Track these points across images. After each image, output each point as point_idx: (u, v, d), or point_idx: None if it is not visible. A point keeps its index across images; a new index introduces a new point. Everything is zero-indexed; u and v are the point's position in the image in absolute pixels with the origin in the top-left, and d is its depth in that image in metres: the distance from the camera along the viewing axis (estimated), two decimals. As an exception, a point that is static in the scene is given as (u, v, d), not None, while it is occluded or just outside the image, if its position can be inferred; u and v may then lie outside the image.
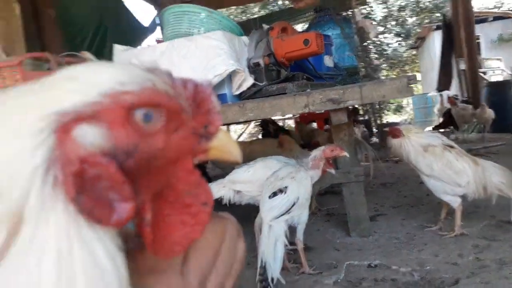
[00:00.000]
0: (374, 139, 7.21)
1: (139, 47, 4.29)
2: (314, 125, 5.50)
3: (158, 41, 3.22)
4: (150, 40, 5.98)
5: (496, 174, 2.29)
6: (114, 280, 0.36)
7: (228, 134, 0.46)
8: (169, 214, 0.44)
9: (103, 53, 4.35)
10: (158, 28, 5.86)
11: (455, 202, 2.36)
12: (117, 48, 2.84)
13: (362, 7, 9.28)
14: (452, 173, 2.32)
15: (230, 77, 2.58)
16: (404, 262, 2.08)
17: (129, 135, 0.38)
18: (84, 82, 0.37)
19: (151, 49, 2.81)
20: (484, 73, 9.35)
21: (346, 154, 2.12)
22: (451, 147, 2.43)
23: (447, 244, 2.26)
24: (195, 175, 0.44)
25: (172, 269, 0.46)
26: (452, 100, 6.66)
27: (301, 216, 1.99)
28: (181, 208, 0.44)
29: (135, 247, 0.46)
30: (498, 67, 10.41)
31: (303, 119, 5.45)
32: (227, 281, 0.52)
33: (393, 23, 17.07)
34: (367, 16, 11.75)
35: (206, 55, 2.52)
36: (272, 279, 1.74)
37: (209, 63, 2.49)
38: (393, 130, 2.52)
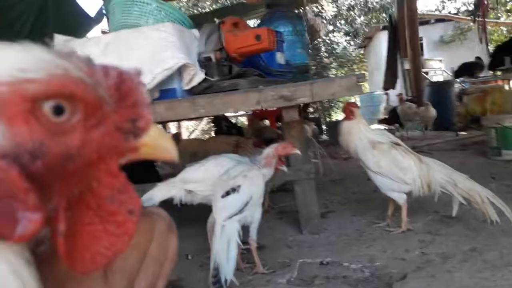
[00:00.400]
0: (324, 137, 7.35)
1: (83, 38, 4.05)
2: (267, 122, 5.51)
3: (104, 32, 3.06)
4: (95, 31, 5.70)
5: (439, 172, 2.37)
6: None
7: (161, 129, 0.40)
8: (90, 222, 0.38)
9: (43, 44, 4.07)
10: (105, 19, 5.59)
11: (401, 199, 2.41)
12: (58, 38, 2.66)
13: (313, 5, 9.42)
14: (398, 170, 2.37)
15: (180, 71, 2.50)
16: (355, 258, 2.11)
17: (34, 132, 0.31)
18: None
19: (95, 40, 2.65)
20: (426, 73, 9.82)
21: (298, 151, 2.11)
22: (398, 144, 2.48)
23: (394, 239, 2.32)
24: (120, 179, 0.39)
25: (94, 274, 0.40)
26: (401, 97, 6.93)
27: (254, 215, 1.96)
28: (105, 216, 0.38)
29: (51, 250, 0.39)
30: (439, 68, 10.98)
31: (256, 116, 5.44)
32: (159, 280, 0.48)
33: (343, 22, 17.52)
34: (317, 15, 11.97)
35: (155, 47, 2.41)
36: (226, 280, 1.70)
37: (158, 56, 2.39)
38: (349, 107, 2.50)
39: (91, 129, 0.34)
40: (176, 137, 4.29)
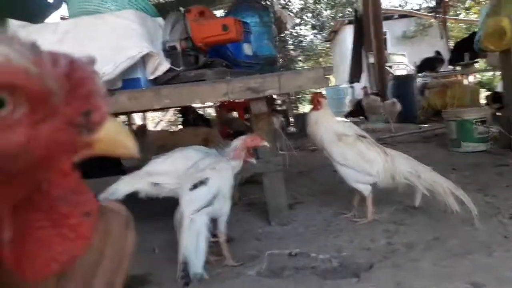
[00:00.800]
0: (292, 129, 7.39)
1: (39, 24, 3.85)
2: (235, 114, 5.47)
3: (63, 18, 2.91)
4: (54, 17, 5.44)
5: (403, 164, 2.41)
6: None
7: (118, 123, 0.36)
8: (41, 226, 0.34)
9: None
10: (64, 5, 5.34)
11: (366, 190, 2.45)
12: (13, 24, 2.51)
13: (280, -3, 9.43)
14: (363, 162, 2.39)
15: (143, 60, 2.41)
16: (323, 249, 2.12)
17: None
18: None
19: (52, 27, 2.52)
20: (390, 67, 10.04)
21: (266, 143, 2.09)
22: (363, 137, 2.51)
23: (360, 230, 2.35)
24: (73, 178, 0.35)
25: (46, 280, 0.37)
26: (365, 90, 7.04)
27: (223, 208, 1.93)
28: (57, 219, 0.34)
29: None
30: (402, 62, 11.25)
31: (224, 108, 5.39)
32: (116, 277, 0.46)
33: (309, 15, 17.64)
34: (284, 7, 11.98)
35: (117, 35, 2.33)
36: (195, 274, 1.67)
37: (120, 44, 2.30)
38: (316, 97, 2.50)
39: (38, 123, 0.31)
40: (142, 129, 4.16)
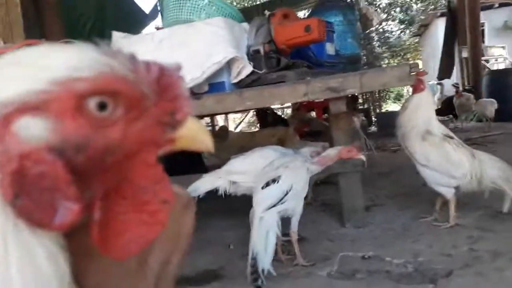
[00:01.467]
0: (373, 128, 7.19)
1: (139, 34, 4.24)
2: (313, 114, 5.49)
3: (158, 28, 3.19)
4: (150, 27, 5.94)
5: (493, 168, 2.28)
6: (54, 282, 0.33)
7: (197, 121, 0.42)
8: (124, 211, 0.40)
9: (103, 40, 4.30)
10: (159, 15, 5.80)
11: (449, 193, 2.35)
12: (116, 35, 2.81)
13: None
14: (449, 165, 2.29)
15: (229, 64, 2.56)
16: (398, 253, 2.08)
17: (80, 128, 0.34)
18: (30, 67, 0.33)
19: (150, 36, 2.78)
20: (487, 61, 9.26)
21: (363, 157, 2.08)
22: (450, 137, 2.39)
23: (441, 235, 2.27)
24: (157, 170, 0.40)
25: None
26: (458, 90, 6.56)
27: (295, 207, 1.97)
28: (138, 206, 0.40)
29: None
30: (501, 55, 10.30)
31: (303, 108, 5.43)
32: (173, 256, 0.49)
33: (397, 10, 16.83)
34: (371, 3, 11.60)
35: (206, 42, 2.49)
36: (263, 271, 1.74)
37: (209, 50, 2.47)
38: (418, 76, 2.31)
39: (132, 122, 0.36)
40: (223, 130, 4.37)
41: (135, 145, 0.37)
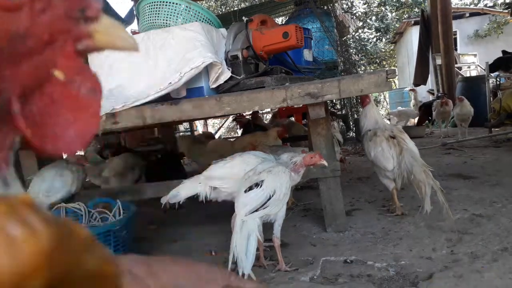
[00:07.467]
0: (351, 134, 7.26)
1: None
2: (292, 119, 5.50)
3: (134, 33, 3.13)
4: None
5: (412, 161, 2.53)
6: None
7: (112, 20, 0.40)
8: (57, 113, 0.39)
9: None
10: (136, 20, 5.74)
11: (390, 185, 2.73)
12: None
13: (343, 1, 9.30)
14: (382, 159, 2.63)
15: (207, 70, 2.53)
16: (380, 257, 2.09)
17: None
18: None
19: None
20: (460, 68, 9.52)
21: (325, 163, 2.10)
22: (393, 137, 2.68)
23: (421, 238, 2.29)
24: (77, 61, 0.39)
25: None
26: (445, 101, 6.58)
27: (278, 212, 1.96)
28: (70, 103, 0.39)
29: None
30: (473, 63, 10.62)
31: (282, 113, 5.45)
32: None
33: (373, 18, 17.19)
34: (347, 11, 11.78)
35: (183, 47, 2.46)
36: (243, 275, 1.71)
37: (186, 55, 2.44)
38: (364, 97, 2.89)
39: (38, 12, 0.35)
40: (208, 136, 4.32)
41: (46, 35, 0.36)
